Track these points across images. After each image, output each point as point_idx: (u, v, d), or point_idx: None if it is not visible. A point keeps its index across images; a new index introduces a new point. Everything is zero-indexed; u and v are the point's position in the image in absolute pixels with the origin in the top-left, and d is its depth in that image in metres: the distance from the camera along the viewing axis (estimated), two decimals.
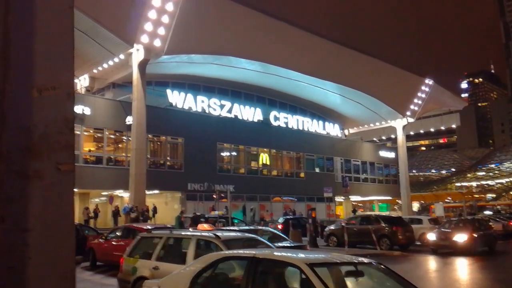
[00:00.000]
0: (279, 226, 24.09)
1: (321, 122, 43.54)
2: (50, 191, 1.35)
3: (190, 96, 33.24)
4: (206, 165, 31.44)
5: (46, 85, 1.36)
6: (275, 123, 38.88)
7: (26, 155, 1.33)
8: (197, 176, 30.69)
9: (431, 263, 15.76)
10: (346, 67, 36.57)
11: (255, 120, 37.19)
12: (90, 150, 27.88)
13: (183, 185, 30.22)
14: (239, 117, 36.15)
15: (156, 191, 29.55)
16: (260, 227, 17.02)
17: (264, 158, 36.99)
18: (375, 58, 40.72)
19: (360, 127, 47.88)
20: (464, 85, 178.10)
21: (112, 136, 28.96)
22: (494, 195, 69.24)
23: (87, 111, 26.07)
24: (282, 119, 39.66)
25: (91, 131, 27.62)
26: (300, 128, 40.97)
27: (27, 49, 1.32)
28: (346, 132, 48.69)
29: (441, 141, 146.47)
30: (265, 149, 37.09)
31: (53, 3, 1.39)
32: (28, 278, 1.34)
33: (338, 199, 42.59)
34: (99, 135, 27.93)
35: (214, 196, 24.73)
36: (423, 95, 43.98)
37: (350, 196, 41.26)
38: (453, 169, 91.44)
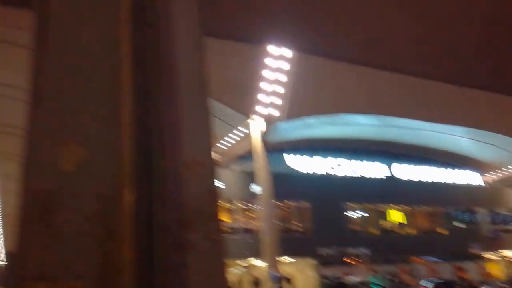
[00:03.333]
0: None
1: (455, 171, 39.82)
2: (203, 260, 1.41)
3: (308, 158, 33.48)
4: (335, 228, 30.57)
5: (193, 160, 1.47)
6: (402, 178, 36.68)
7: (180, 228, 1.42)
8: (327, 240, 29.86)
9: None
10: (473, 108, 33.52)
11: (381, 177, 35.60)
12: (224, 222, 29.37)
13: (313, 250, 29.57)
14: (363, 175, 35.01)
15: (288, 258, 29.36)
16: None
17: (395, 215, 34.73)
18: (501, 93, 36.72)
19: (504, 169, 42.40)
20: None
21: (241, 206, 30.25)
22: None
23: (220, 184, 27.77)
24: (409, 172, 37.30)
25: (224, 203, 29.23)
26: (431, 180, 37.92)
27: (177, 128, 1.47)
28: (488, 179, 43.52)
29: None
30: (395, 206, 34.91)
31: (193, 82, 1.56)
32: None
33: (490, 256, 37.28)
34: (230, 206, 29.43)
35: (349, 261, 23.62)
36: None
37: (504, 251, 35.91)
38: None
